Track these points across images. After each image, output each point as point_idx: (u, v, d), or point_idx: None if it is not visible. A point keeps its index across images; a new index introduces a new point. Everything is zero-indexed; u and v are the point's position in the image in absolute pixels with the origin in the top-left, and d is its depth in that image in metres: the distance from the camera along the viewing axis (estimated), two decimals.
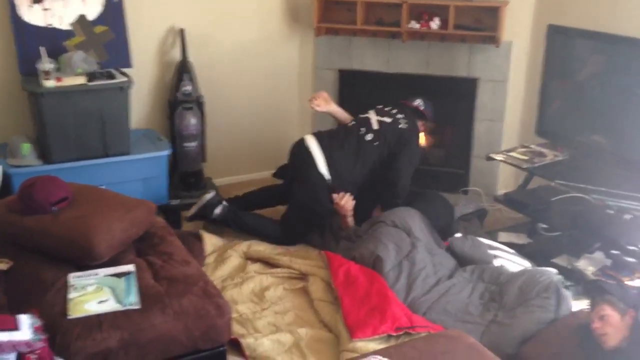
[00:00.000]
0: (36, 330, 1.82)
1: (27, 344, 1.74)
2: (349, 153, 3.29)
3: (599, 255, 2.95)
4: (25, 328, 1.79)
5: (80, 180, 2.78)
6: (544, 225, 3.29)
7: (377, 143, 3.31)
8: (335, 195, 3.23)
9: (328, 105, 3.60)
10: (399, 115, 3.43)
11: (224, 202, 3.38)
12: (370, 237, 2.96)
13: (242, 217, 3.35)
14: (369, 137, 3.32)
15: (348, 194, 3.23)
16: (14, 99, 3.39)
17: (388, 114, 3.44)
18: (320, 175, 3.23)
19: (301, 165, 3.28)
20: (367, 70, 4.06)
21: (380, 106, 3.52)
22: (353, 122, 3.46)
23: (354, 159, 3.28)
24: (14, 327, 1.76)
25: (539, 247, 3.19)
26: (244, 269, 2.96)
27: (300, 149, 3.32)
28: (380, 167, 3.34)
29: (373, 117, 3.42)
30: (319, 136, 3.36)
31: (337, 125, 3.67)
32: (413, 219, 3.01)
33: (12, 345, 1.70)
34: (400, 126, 3.37)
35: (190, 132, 3.66)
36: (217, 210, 3.32)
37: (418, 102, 3.58)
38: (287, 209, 3.36)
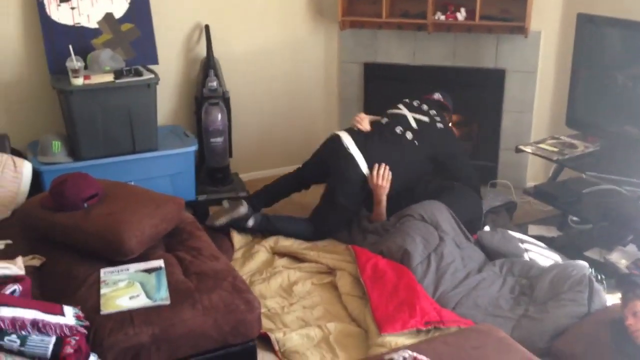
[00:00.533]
0: (78, 318, 1.92)
1: (71, 328, 1.84)
2: (390, 151, 3.22)
3: (631, 247, 2.90)
4: (70, 315, 1.89)
5: (110, 177, 2.81)
6: (575, 218, 3.24)
7: (418, 143, 3.26)
8: (373, 175, 3.15)
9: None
10: (432, 112, 3.39)
11: (256, 214, 3.27)
12: (398, 230, 2.94)
13: (274, 224, 3.25)
14: (409, 136, 3.27)
15: (383, 165, 3.16)
16: (44, 98, 3.44)
17: (422, 112, 3.38)
18: (361, 174, 3.18)
19: (340, 163, 3.21)
20: (392, 63, 4.03)
21: (408, 101, 3.48)
22: (386, 119, 3.39)
23: (397, 156, 3.21)
24: (60, 313, 1.87)
25: (570, 240, 3.15)
26: (272, 264, 2.97)
27: (336, 146, 3.25)
28: (421, 169, 3.31)
29: (409, 115, 3.36)
30: (352, 133, 3.30)
31: None
32: (441, 213, 2.98)
33: (59, 327, 1.81)
34: (438, 126, 3.34)
35: (216, 127, 3.68)
36: (250, 223, 3.21)
37: (438, 96, 3.54)
38: (322, 204, 3.28)
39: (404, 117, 3.36)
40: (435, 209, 3.01)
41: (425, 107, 3.42)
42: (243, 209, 3.22)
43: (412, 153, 3.26)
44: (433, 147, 3.29)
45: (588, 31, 3.24)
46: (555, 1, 3.62)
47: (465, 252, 2.89)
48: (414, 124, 3.32)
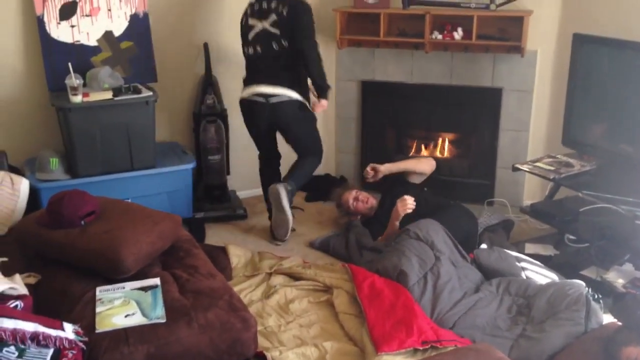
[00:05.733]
0: (77, 334, 1.97)
1: (70, 341, 1.90)
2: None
3: (628, 266, 2.90)
4: (70, 330, 1.95)
5: (107, 194, 2.82)
6: (572, 237, 3.24)
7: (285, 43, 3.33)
8: (399, 205, 3.23)
9: (384, 169, 3.61)
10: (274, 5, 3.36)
11: (285, 190, 3.41)
12: (394, 250, 2.94)
13: (298, 186, 3.49)
14: (275, 46, 3.34)
15: (412, 199, 3.25)
16: (42, 115, 3.46)
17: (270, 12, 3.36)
18: (294, 103, 3.38)
19: (275, 114, 3.40)
20: (390, 81, 4.06)
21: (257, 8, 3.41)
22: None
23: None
24: (60, 328, 1.93)
25: (567, 259, 3.14)
26: (269, 282, 2.96)
27: (255, 107, 3.43)
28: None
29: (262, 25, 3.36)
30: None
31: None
32: (436, 232, 2.98)
33: (58, 339, 1.87)
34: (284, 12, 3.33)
35: (214, 145, 3.70)
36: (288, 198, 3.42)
37: None
38: (304, 138, 3.54)
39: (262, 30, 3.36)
40: (431, 227, 3.01)
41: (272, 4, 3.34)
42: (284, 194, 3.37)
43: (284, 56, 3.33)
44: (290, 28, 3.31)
45: (583, 51, 3.27)
46: (551, 21, 3.65)
47: (462, 271, 2.89)
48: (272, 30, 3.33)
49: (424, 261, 2.83)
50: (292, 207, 3.48)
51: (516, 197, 3.94)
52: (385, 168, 3.60)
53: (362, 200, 3.54)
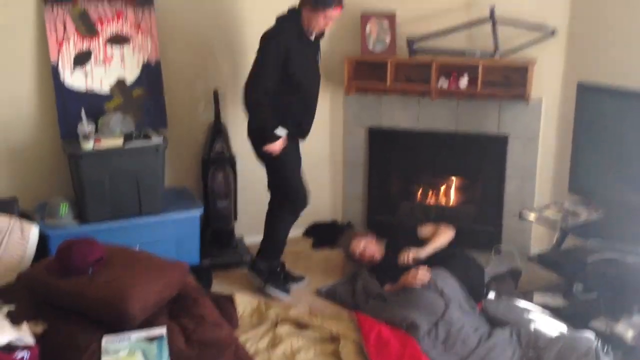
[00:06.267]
0: None
1: None
2: None
3: (638, 318, 2.86)
4: None
5: (115, 240, 2.84)
6: (580, 287, 3.22)
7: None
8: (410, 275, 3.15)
9: (425, 254, 3.42)
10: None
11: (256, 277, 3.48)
12: (402, 300, 2.93)
13: (269, 258, 3.48)
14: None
15: (426, 268, 3.15)
16: (54, 161, 3.50)
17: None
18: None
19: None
20: (397, 127, 4.10)
21: None
22: None
23: None
24: None
25: (576, 309, 3.11)
26: (276, 331, 2.95)
27: None
28: None
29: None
30: None
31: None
32: (445, 280, 2.98)
33: None
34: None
35: (222, 190, 3.73)
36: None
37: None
38: (269, 173, 3.43)
39: None
40: (439, 276, 3.00)
41: None
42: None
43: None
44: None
45: (588, 100, 3.31)
46: (555, 69, 3.70)
47: (470, 320, 2.86)
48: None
49: (434, 309, 2.82)
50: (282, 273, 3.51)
51: (523, 244, 3.92)
52: (425, 253, 3.40)
53: (369, 249, 3.54)
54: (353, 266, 3.63)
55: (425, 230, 3.57)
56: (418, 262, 3.27)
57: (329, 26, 3.26)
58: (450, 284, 2.98)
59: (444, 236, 3.49)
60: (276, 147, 3.26)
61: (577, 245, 3.39)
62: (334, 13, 3.16)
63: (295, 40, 3.21)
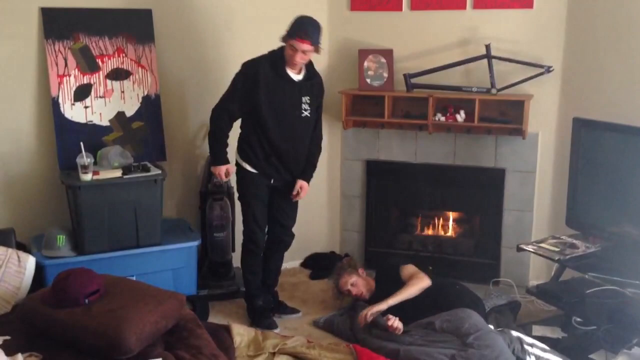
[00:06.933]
0: None
1: None
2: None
3: (637, 351, 2.85)
4: None
5: (112, 271, 2.83)
6: (579, 319, 3.20)
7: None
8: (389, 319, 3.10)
9: (386, 306, 3.27)
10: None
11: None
12: (419, 349, 2.89)
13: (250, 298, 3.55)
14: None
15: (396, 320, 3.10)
16: (52, 192, 3.51)
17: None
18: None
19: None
20: (394, 160, 4.13)
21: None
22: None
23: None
24: None
25: (575, 341, 3.09)
26: None
27: None
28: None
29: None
30: None
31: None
32: (459, 318, 2.97)
33: None
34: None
35: (220, 222, 3.73)
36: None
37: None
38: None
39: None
40: (454, 315, 3.00)
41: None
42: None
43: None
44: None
45: (584, 135, 3.34)
46: (551, 105, 3.75)
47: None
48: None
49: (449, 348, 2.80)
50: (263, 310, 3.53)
51: (522, 277, 3.92)
52: (389, 304, 3.25)
53: (356, 288, 3.51)
54: (343, 300, 3.61)
55: (405, 271, 3.44)
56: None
57: (301, 59, 3.18)
58: (464, 321, 2.96)
59: (415, 287, 3.31)
60: (220, 171, 3.32)
61: (576, 278, 3.39)
62: (296, 44, 3.12)
63: (271, 72, 3.21)
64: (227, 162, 3.34)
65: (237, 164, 3.39)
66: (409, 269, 3.44)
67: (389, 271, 3.51)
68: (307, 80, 3.32)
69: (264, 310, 3.52)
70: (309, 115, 3.34)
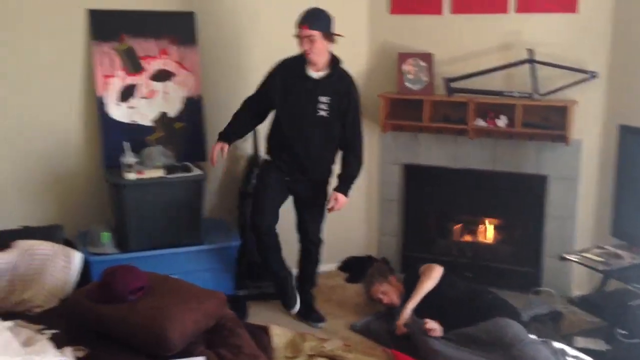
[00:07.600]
0: None
1: None
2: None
3: None
4: None
5: (154, 269, 2.86)
6: (623, 331, 3.13)
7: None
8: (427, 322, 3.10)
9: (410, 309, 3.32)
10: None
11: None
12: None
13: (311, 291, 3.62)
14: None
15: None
16: (96, 190, 3.58)
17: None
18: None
19: None
20: (433, 165, 4.10)
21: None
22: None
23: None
24: None
25: (619, 354, 3.02)
26: None
27: None
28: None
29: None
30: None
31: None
32: (502, 330, 2.94)
33: None
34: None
35: None
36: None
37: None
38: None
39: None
40: (495, 326, 2.97)
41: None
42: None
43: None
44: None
45: (631, 142, 3.26)
46: (596, 112, 3.67)
47: None
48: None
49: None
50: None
51: (563, 286, 3.84)
52: (412, 306, 3.30)
53: (387, 296, 3.49)
54: (374, 305, 3.60)
55: (420, 270, 3.46)
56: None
57: (307, 47, 3.18)
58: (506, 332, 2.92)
59: (428, 281, 3.34)
60: (216, 145, 3.41)
61: (619, 289, 3.31)
62: (298, 30, 3.19)
63: (291, 70, 3.30)
64: (226, 139, 3.42)
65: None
66: (422, 267, 3.48)
67: (412, 275, 3.51)
68: (328, 78, 3.28)
69: (287, 284, 3.53)
70: (325, 115, 3.28)
